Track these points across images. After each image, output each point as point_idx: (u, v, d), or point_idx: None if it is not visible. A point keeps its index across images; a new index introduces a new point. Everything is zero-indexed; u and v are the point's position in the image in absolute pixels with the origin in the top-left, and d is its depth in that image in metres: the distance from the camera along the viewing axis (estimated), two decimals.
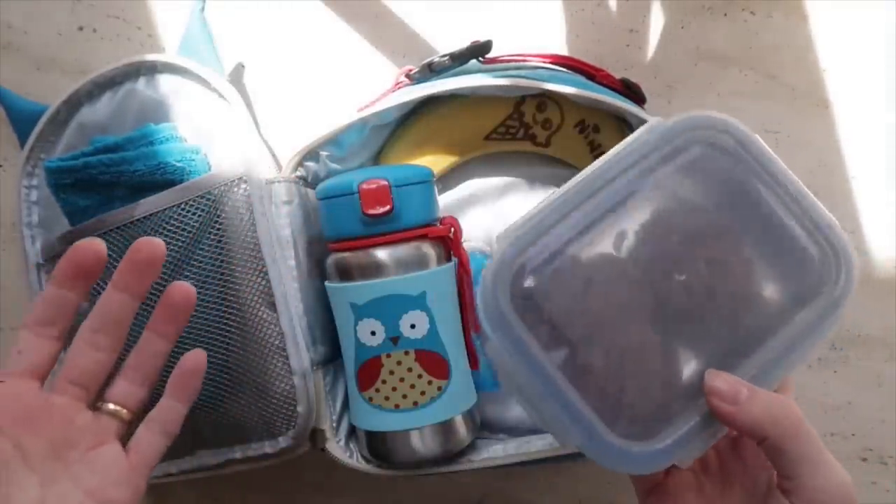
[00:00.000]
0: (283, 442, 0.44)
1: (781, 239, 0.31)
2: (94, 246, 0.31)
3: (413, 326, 0.41)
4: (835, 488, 0.28)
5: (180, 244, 0.43)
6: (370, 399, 0.42)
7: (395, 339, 0.41)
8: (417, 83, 0.45)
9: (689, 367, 0.31)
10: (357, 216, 0.40)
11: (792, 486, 0.28)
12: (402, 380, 0.41)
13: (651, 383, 0.31)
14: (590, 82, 0.44)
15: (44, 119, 0.48)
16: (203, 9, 0.47)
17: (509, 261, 0.30)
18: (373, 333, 0.41)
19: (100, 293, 0.34)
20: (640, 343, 0.31)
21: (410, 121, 0.47)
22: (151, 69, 0.46)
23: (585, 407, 0.30)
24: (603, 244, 0.31)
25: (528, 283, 0.30)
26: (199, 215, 0.43)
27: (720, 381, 0.29)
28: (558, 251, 0.31)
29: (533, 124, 0.46)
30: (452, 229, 0.43)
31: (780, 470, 0.29)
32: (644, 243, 0.31)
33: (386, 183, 0.40)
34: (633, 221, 0.31)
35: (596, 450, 0.30)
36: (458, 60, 0.43)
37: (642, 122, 0.42)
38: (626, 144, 0.31)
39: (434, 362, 0.41)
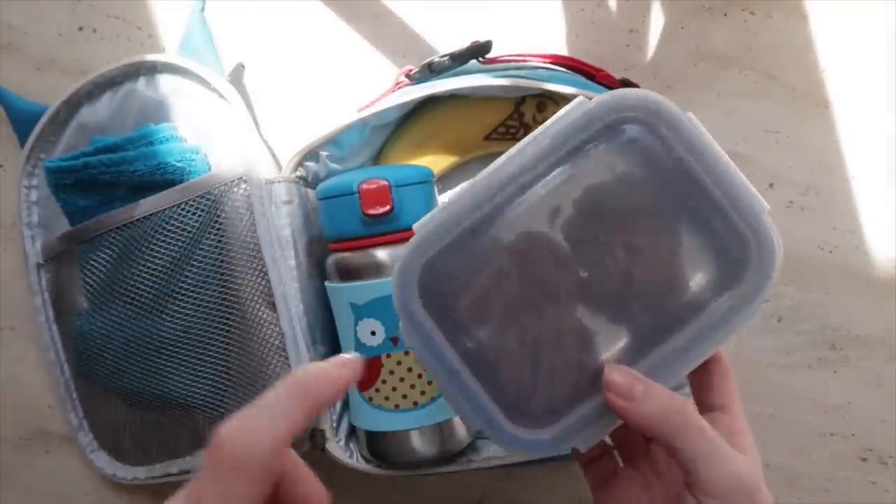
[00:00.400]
0: None
1: (710, 224, 0.30)
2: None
3: None
4: (730, 481, 0.28)
5: (180, 244, 0.43)
6: (370, 399, 0.42)
7: (395, 339, 0.41)
8: (417, 83, 0.45)
9: (604, 352, 0.31)
10: (357, 216, 0.40)
11: (690, 480, 0.29)
12: (402, 380, 0.41)
13: (565, 368, 0.31)
14: (590, 82, 0.44)
15: (44, 119, 0.48)
16: (203, 9, 0.47)
17: (421, 252, 0.30)
18: (373, 333, 0.41)
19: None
20: (557, 327, 0.31)
21: (410, 121, 0.47)
22: (151, 69, 0.46)
23: (485, 397, 0.31)
24: (533, 221, 0.30)
25: (442, 273, 0.30)
26: (199, 215, 0.43)
27: (617, 374, 0.29)
28: (477, 237, 0.30)
29: (533, 124, 0.46)
30: None
31: (679, 465, 0.29)
32: (576, 221, 0.30)
33: (386, 183, 0.40)
34: (566, 198, 0.30)
35: (495, 436, 0.31)
36: (458, 60, 0.43)
37: None
38: (553, 123, 0.30)
39: None
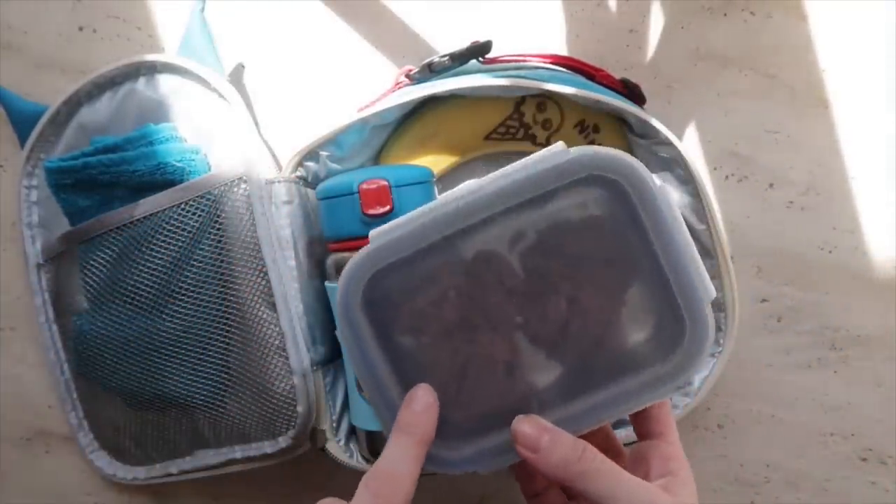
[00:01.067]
0: (282, 442, 0.44)
1: (656, 295, 0.31)
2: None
3: None
4: None
5: (180, 244, 0.43)
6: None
7: None
8: (417, 83, 0.45)
9: (533, 384, 0.32)
10: (357, 216, 0.40)
11: None
12: None
13: (488, 393, 0.32)
14: (590, 82, 0.44)
15: (44, 119, 0.48)
16: (203, 9, 0.47)
17: (373, 262, 0.31)
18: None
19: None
20: (489, 353, 0.32)
21: (410, 121, 0.47)
22: (151, 69, 0.46)
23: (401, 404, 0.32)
24: (495, 240, 0.31)
25: (389, 283, 0.31)
26: (199, 215, 0.43)
27: (526, 425, 0.30)
28: (431, 256, 0.31)
29: (533, 124, 0.46)
30: None
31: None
32: (535, 251, 0.31)
33: (386, 183, 0.40)
34: (532, 226, 0.30)
35: None
36: (458, 60, 0.43)
37: (642, 122, 0.42)
38: (530, 165, 0.30)
39: None
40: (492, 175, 0.30)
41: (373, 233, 0.31)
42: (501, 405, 0.32)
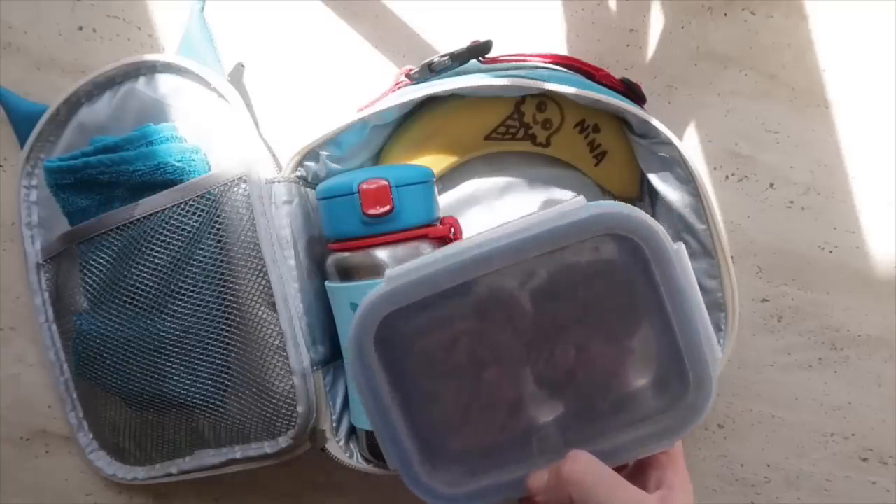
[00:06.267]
0: (282, 442, 0.44)
1: (663, 350, 0.31)
2: None
3: None
4: None
5: (180, 244, 0.43)
6: None
7: None
8: (417, 83, 0.45)
9: (529, 425, 0.32)
10: (357, 216, 0.40)
11: None
12: None
13: (490, 429, 0.33)
14: (590, 82, 0.44)
15: (44, 119, 0.48)
16: (203, 9, 0.47)
17: (389, 303, 0.31)
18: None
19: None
20: (494, 391, 0.32)
21: (410, 121, 0.47)
22: (151, 69, 0.46)
23: (409, 441, 0.32)
24: (505, 279, 0.31)
25: (403, 324, 0.31)
26: (199, 215, 0.43)
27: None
28: (445, 300, 0.31)
29: (533, 124, 0.46)
30: (453, 229, 0.43)
31: None
32: (545, 291, 0.31)
33: (386, 183, 0.40)
34: (543, 266, 0.31)
35: (408, 480, 0.33)
36: (458, 60, 0.43)
37: (642, 121, 0.42)
38: (548, 220, 0.30)
39: None
40: (510, 226, 0.31)
41: (389, 273, 0.31)
42: (504, 441, 0.33)
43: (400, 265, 0.31)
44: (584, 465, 0.30)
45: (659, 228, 0.30)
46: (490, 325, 0.32)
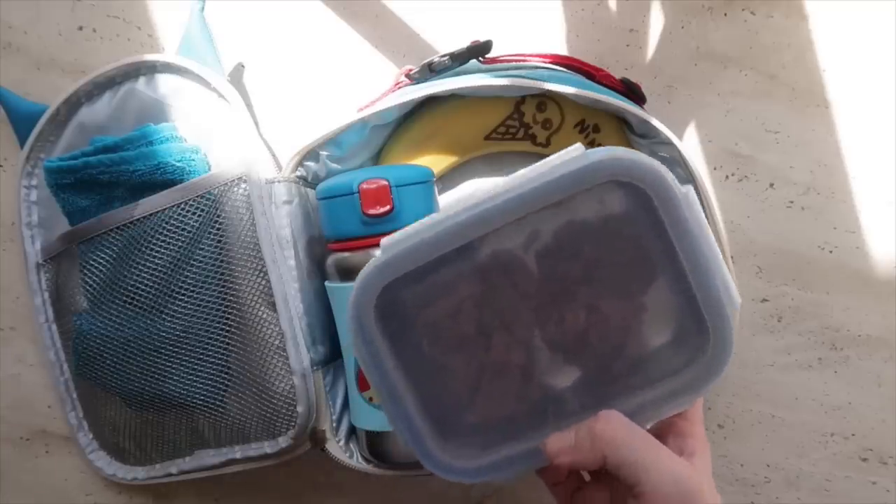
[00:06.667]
0: (283, 442, 0.44)
1: (678, 302, 0.30)
2: None
3: None
4: (669, 488, 0.29)
5: (180, 244, 0.43)
6: (370, 399, 0.42)
7: None
8: (417, 83, 0.45)
9: (544, 393, 0.31)
10: (357, 216, 0.40)
11: (636, 493, 0.29)
12: None
13: (505, 397, 0.31)
14: (590, 82, 0.44)
15: (44, 119, 0.48)
16: (203, 9, 0.47)
17: (385, 274, 0.30)
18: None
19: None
20: (504, 359, 0.31)
21: (410, 121, 0.47)
22: (151, 69, 0.46)
23: (420, 417, 0.31)
24: (509, 240, 0.29)
25: (403, 294, 0.30)
26: (199, 215, 0.43)
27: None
28: (445, 266, 0.30)
29: (533, 124, 0.46)
30: None
31: (624, 483, 0.29)
32: (551, 252, 0.30)
33: (386, 183, 0.40)
34: (548, 225, 0.29)
35: (422, 457, 0.32)
36: (458, 60, 0.43)
37: (642, 121, 0.42)
38: (548, 170, 0.29)
39: None
40: (507, 181, 0.29)
41: (384, 242, 0.30)
42: (518, 410, 0.31)
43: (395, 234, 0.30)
44: (617, 424, 0.30)
45: (665, 172, 0.28)
46: (495, 290, 0.30)
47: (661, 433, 0.32)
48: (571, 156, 0.29)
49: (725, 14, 0.47)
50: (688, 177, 0.41)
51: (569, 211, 0.29)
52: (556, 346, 0.31)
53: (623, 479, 0.29)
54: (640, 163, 0.28)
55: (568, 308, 0.30)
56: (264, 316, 0.43)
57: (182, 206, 0.43)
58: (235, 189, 0.43)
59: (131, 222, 0.44)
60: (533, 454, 0.31)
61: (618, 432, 0.29)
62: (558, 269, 0.30)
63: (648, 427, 0.31)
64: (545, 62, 0.44)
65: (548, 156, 0.46)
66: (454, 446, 0.31)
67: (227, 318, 0.44)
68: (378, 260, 0.30)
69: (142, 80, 0.46)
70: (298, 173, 0.45)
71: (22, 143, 0.49)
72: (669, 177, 0.28)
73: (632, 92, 0.44)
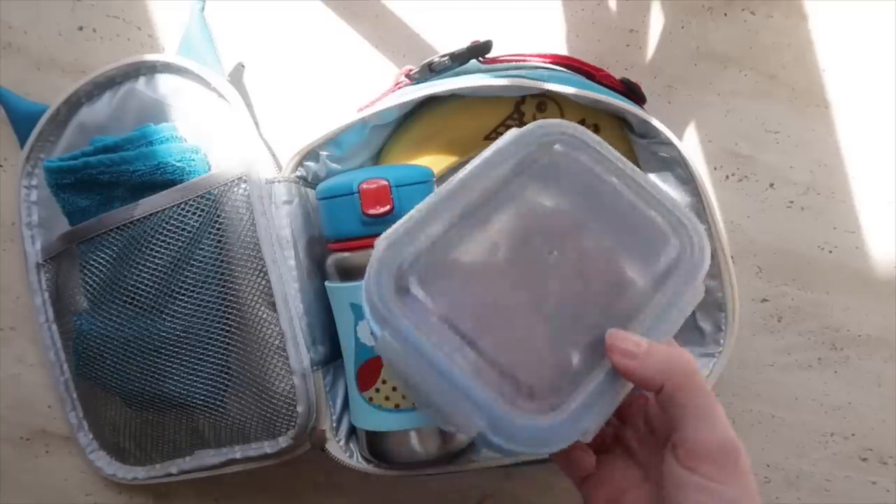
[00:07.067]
0: (282, 442, 0.44)
1: (637, 225, 0.33)
2: None
3: None
4: (715, 443, 0.29)
5: (180, 244, 0.43)
6: (370, 399, 0.42)
7: None
8: (417, 83, 0.45)
9: (576, 347, 0.31)
10: (357, 216, 0.40)
11: (677, 438, 0.29)
12: None
13: (543, 365, 0.31)
14: (590, 82, 0.44)
15: (44, 119, 0.48)
16: (203, 9, 0.47)
17: (389, 262, 0.31)
18: (373, 333, 0.41)
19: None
20: (527, 332, 0.31)
21: (410, 121, 0.47)
22: (151, 69, 0.46)
23: (485, 389, 0.28)
24: (479, 252, 0.32)
25: (411, 282, 0.31)
26: (199, 215, 0.43)
27: (621, 339, 0.30)
28: (437, 251, 0.31)
29: None
30: None
31: (670, 421, 0.29)
32: (514, 249, 0.32)
33: (386, 183, 0.40)
34: (501, 233, 0.32)
35: (503, 431, 0.28)
36: (458, 60, 0.43)
37: (642, 121, 0.42)
38: (488, 154, 0.34)
39: None
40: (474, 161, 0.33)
41: (378, 241, 0.31)
42: (562, 372, 0.30)
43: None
44: (689, 357, 0.30)
45: (582, 128, 0.34)
46: (485, 291, 0.31)
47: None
48: (508, 133, 0.34)
49: (725, 14, 0.47)
50: (688, 177, 0.41)
51: (510, 216, 0.33)
52: (564, 306, 0.32)
53: (670, 417, 0.29)
54: (562, 123, 0.34)
55: (555, 267, 0.32)
56: (264, 316, 0.43)
57: (182, 206, 0.43)
58: (235, 189, 0.43)
59: (131, 222, 0.44)
60: (604, 392, 0.30)
61: (690, 365, 0.29)
62: (527, 254, 0.32)
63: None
64: (545, 62, 0.44)
65: None
66: (534, 400, 0.29)
67: (227, 318, 0.44)
68: (376, 253, 0.31)
69: (142, 80, 0.46)
70: (298, 173, 0.45)
71: (22, 143, 0.49)
72: (587, 131, 0.34)
73: (632, 92, 0.44)
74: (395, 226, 0.32)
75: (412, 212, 0.32)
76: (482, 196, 0.33)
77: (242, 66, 0.50)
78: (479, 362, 0.30)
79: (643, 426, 0.34)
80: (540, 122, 0.34)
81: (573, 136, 0.34)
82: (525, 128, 0.34)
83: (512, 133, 0.34)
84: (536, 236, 0.33)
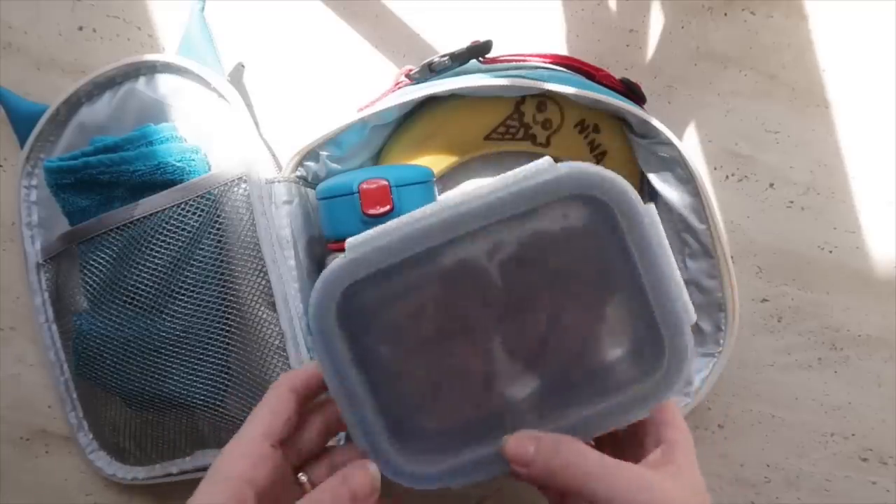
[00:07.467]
0: None
1: (636, 315, 0.30)
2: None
3: None
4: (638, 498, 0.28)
5: (180, 244, 0.43)
6: None
7: None
8: (417, 83, 0.45)
9: (503, 401, 0.31)
10: (357, 216, 0.40)
11: None
12: None
13: (463, 405, 0.31)
14: (590, 82, 0.44)
15: (44, 119, 0.48)
16: (203, 9, 0.47)
17: (349, 274, 0.30)
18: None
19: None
20: (465, 365, 0.31)
21: (410, 121, 0.47)
22: (151, 69, 0.46)
23: (377, 421, 0.31)
24: (474, 249, 0.30)
25: (366, 294, 0.30)
26: (199, 215, 0.43)
27: (511, 443, 0.30)
28: (410, 269, 0.30)
29: (533, 124, 0.46)
30: None
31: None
32: (515, 261, 0.30)
33: (386, 183, 0.40)
34: (512, 235, 0.30)
35: (379, 462, 0.31)
36: (458, 60, 0.43)
37: (642, 121, 0.42)
38: (517, 181, 0.29)
39: None
40: (475, 190, 0.29)
41: (349, 242, 0.30)
42: (476, 418, 0.31)
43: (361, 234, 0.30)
44: (569, 453, 0.29)
45: (627, 186, 0.29)
46: (458, 296, 0.30)
47: (639, 425, 0.32)
48: (538, 168, 0.29)
49: (725, 14, 0.47)
50: (688, 177, 0.41)
51: (534, 222, 0.30)
52: (517, 355, 0.31)
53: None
54: (604, 177, 0.29)
55: (529, 318, 0.31)
56: (264, 316, 0.43)
57: (182, 206, 0.43)
58: (235, 189, 0.43)
59: (131, 222, 0.44)
60: (492, 461, 0.31)
61: (571, 459, 0.29)
62: (521, 278, 0.30)
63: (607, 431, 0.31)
64: (545, 62, 0.44)
65: (548, 155, 0.47)
66: (411, 451, 0.31)
67: (227, 318, 0.44)
68: (343, 259, 0.30)
69: (142, 80, 0.46)
70: (298, 173, 0.45)
71: (22, 143, 0.49)
72: (633, 192, 0.29)
73: (632, 92, 0.44)
74: (367, 235, 0.30)
75: (387, 227, 0.30)
76: (485, 222, 0.29)
77: (242, 66, 0.50)
78: (397, 385, 0.31)
79: None
80: (585, 172, 0.29)
81: (617, 199, 0.29)
82: (567, 173, 0.29)
83: (548, 172, 0.29)
84: (538, 266, 0.30)
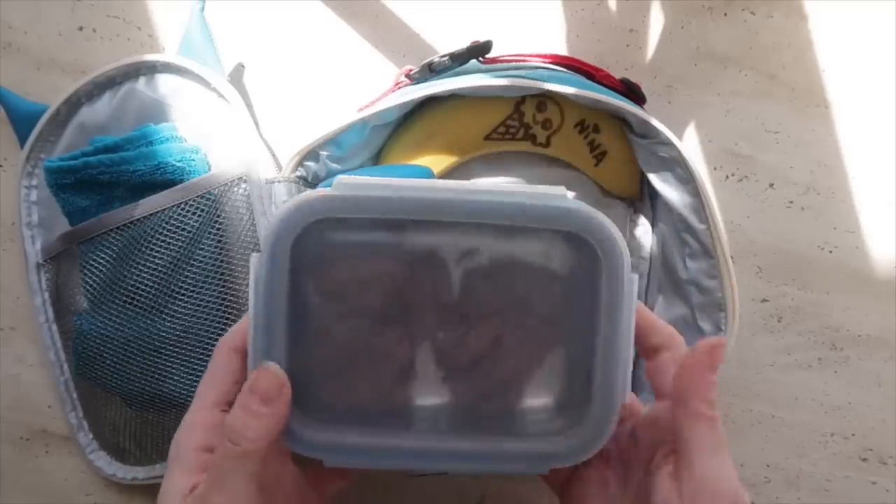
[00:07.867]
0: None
1: (577, 372, 0.29)
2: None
3: None
4: (722, 484, 0.26)
5: (180, 244, 0.43)
6: None
7: None
8: (417, 83, 0.45)
9: (411, 402, 0.30)
10: None
11: (684, 472, 0.27)
12: None
13: (369, 390, 0.30)
14: (590, 82, 0.44)
15: (44, 119, 0.48)
16: (203, 9, 0.47)
17: (328, 203, 0.28)
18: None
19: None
20: (389, 352, 0.30)
21: (410, 121, 0.47)
22: (151, 69, 0.46)
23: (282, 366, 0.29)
24: (446, 245, 0.29)
25: (331, 237, 0.28)
26: (199, 215, 0.43)
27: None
28: (383, 230, 0.28)
29: (533, 124, 0.46)
30: None
31: (676, 445, 0.27)
32: (480, 273, 0.29)
33: None
34: (488, 248, 0.29)
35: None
36: (458, 60, 0.43)
37: (642, 121, 0.42)
38: (517, 195, 0.28)
39: None
40: (482, 184, 0.29)
41: (340, 178, 0.28)
42: (377, 407, 0.30)
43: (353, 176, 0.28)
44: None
45: (626, 250, 0.28)
46: (414, 282, 0.29)
47: (657, 422, 0.30)
48: (551, 192, 0.28)
49: (725, 14, 0.47)
50: (688, 177, 0.41)
51: (515, 245, 0.29)
52: (443, 364, 0.30)
53: (677, 442, 0.27)
54: (608, 228, 0.28)
55: (472, 334, 0.30)
56: None
57: (182, 206, 0.43)
58: (235, 189, 0.43)
59: (131, 222, 0.44)
60: (385, 453, 0.30)
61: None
62: (480, 294, 0.29)
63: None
64: (545, 62, 0.45)
65: (548, 155, 0.47)
66: (306, 416, 0.29)
67: (228, 319, 0.44)
68: (327, 191, 0.28)
69: (142, 80, 0.46)
70: (298, 173, 0.45)
71: (22, 143, 0.49)
72: (627, 257, 0.28)
73: (632, 92, 0.44)
74: (359, 180, 0.28)
75: (382, 182, 0.28)
76: (476, 219, 0.28)
77: (242, 66, 0.50)
78: (317, 341, 0.29)
79: (626, 437, 0.33)
80: (587, 215, 0.28)
81: (607, 251, 0.28)
82: (569, 211, 0.28)
83: (546, 199, 0.28)
84: (491, 282, 0.29)
